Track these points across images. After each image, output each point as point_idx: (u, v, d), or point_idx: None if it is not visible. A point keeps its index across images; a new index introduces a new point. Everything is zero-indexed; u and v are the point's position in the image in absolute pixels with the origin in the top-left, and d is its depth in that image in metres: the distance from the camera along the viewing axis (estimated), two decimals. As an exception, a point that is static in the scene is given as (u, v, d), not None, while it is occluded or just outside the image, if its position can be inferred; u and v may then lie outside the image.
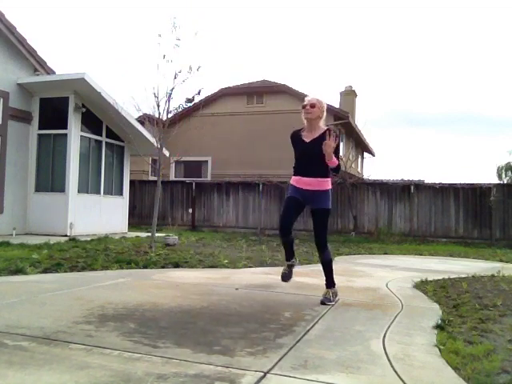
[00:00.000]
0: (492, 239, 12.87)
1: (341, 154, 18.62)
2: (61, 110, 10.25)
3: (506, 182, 26.62)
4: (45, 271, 5.23)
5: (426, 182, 14.70)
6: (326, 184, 3.87)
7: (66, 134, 10.20)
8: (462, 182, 13.55)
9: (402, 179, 15.21)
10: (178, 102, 9.00)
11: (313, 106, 3.86)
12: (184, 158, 13.74)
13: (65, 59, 53.27)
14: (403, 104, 66.29)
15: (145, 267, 5.85)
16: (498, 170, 29.16)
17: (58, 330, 2.71)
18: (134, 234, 11.18)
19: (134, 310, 3.37)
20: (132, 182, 14.15)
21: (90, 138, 10.91)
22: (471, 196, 13.38)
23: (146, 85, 8.33)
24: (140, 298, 3.79)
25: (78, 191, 10.35)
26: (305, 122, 3.95)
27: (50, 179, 10.38)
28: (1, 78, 9.71)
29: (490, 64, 68.11)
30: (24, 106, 10.29)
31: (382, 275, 5.86)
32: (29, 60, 10.36)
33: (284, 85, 18.43)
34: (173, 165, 17.95)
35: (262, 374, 2.11)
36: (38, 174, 10.45)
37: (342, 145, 20.05)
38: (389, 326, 3.14)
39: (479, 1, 67.52)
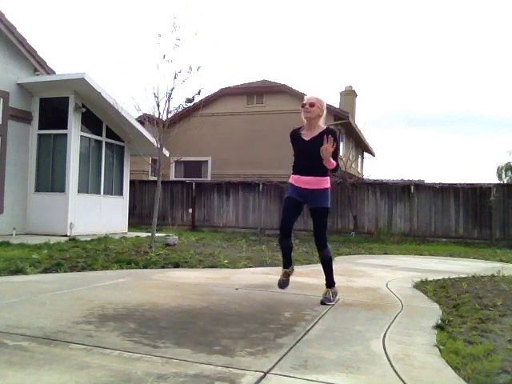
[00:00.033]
0: (492, 239, 12.87)
1: (341, 153, 18.67)
2: (61, 110, 10.25)
3: (506, 181, 26.63)
4: (45, 271, 5.23)
5: (426, 181, 14.70)
6: (325, 183, 3.87)
7: (65, 134, 10.20)
8: (462, 182, 13.55)
9: (402, 179, 15.21)
10: (178, 102, 9.01)
11: (312, 105, 3.86)
12: (184, 158, 13.74)
13: (65, 59, 53.32)
14: (403, 104, 66.34)
15: (145, 267, 5.85)
16: (498, 170, 29.19)
17: (57, 330, 2.71)
18: (133, 234, 11.18)
19: (134, 309, 3.37)
20: (132, 182, 14.15)
21: (89, 138, 10.92)
22: (471, 196, 13.38)
23: (145, 85, 8.34)
24: (140, 298, 3.79)
25: (78, 191, 10.35)
26: (304, 120, 3.95)
27: (49, 179, 10.39)
28: (1, 77, 9.71)
29: (490, 64, 68.14)
30: (24, 106, 10.29)
31: (381, 275, 5.86)
32: (29, 60, 10.36)
33: (284, 85, 18.43)
34: (173, 165, 17.95)
35: (262, 374, 2.11)
36: (38, 174, 10.45)
37: (342, 145, 20.05)
38: (389, 326, 3.14)
39: (479, 1, 67.54)
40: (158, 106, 8.26)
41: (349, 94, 23.36)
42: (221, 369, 2.16)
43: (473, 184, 13.43)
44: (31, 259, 5.83)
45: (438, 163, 53.33)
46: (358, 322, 3.26)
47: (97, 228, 10.66)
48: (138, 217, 15.77)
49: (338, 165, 3.78)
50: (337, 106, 20.01)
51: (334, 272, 4.00)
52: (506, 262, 8.27)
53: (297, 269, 5.83)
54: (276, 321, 3.19)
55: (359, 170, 25.03)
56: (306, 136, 3.90)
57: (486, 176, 47.06)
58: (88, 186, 10.81)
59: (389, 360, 2.42)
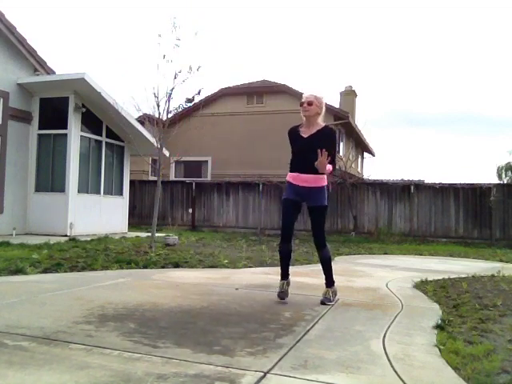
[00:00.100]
0: (492, 239, 12.87)
1: (341, 153, 18.68)
2: (61, 110, 10.25)
3: (506, 182, 26.64)
4: (45, 271, 5.23)
5: (426, 182, 14.70)
6: (322, 181, 3.88)
7: (65, 134, 10.20)
8: (462, 182, 13.55)
9: (402, 179, 15.22)
10: (178, 102, 9.02)
11: (310, 103, 3.86)
12: (184, 158, 13.74)
13: (65, 59, 53.32)
14: (403, 104, 66.36)
15: (145, 267, 5.85)
16: (498, 170, 29.21)
17: (58, 330, 2.71)
18: (133, 234, 11.18)
19: (134, 309, 3.36)
20: (132, 182, 14.15)
21: (89, 138, 10.92)
22: (471, 196, 13.38)
23: (145, 85, 8.34)
24: (140, 297, 3.79)
25: (78, 191, 10.35)
26: (304, 118, 3.96)
27: (49, 179, 10.39)
28: (1, 77, 9.71)
29: (490, 64, 68.14)
30: (24, 106, 10.29)
31: (381, 275, 5.86)
32: (29, 60, 10.36)
33: (284, 85, 18.43)
34: (173, 165, 17.95)
35: (262, 374, 2.11)
36: (38, 174, 10.45)
37: (342, 145, 20.05)
38: (389, 326, 3.14)
39: (479, 1, 67.52)
40: (158, 105, 8.27)
41: (349, 94, 23.36)
42: (221, 369, 2.16)
43: (473, 184, 13.43)
44: (31, 259, 5.83)
45: (438, 163, 53.41)
46: (358, 321, 3.26)
47: (97, 228, 10.66)
48: (137, 217, 15.77)
49: (334, 166, 3.79)
50: (337, 106, 20.01)
51: (333, 272, 4.00)
52: (506, 262, 8.26)
53: (297, 269, 5.84)
54: (276, 321, 3.19)
55: (359, 170, 25.03)
56: (305, 133, 3.91)
57: (486, 176, 47.15)
58: (88, 185, 10.81)
59: (389, 360, 2.42)
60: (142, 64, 15.02)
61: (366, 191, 14.38)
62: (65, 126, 10.20)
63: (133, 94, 10.74)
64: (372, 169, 46.58)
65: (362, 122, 50.86)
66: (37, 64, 10.53)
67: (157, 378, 2.01)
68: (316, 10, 72.26)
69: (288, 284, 3.93)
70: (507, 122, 50.08)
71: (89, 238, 9.18)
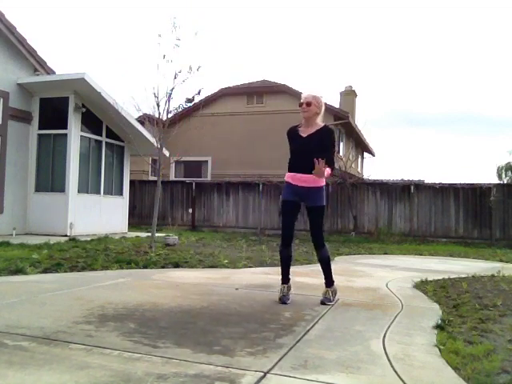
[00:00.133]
0: (492, 239, 12.87)
1: (341, 153, 18.68)
2: (61, 110, 10.25)
3: (506, 181, 26.64)
4: (45, 271, 5.23)
5: (426, 182, 14.70)
6: (321, 181, 3.87)
7: (65, 134, 10.20)
8: (462, 182, 13.55)
9: (402, 179, 15.22)
10: (178, 102, 9.02)
11: (309, 104, 3.85)
12: (184, 158, 13.74)
13: (65, 59, 53.32)
14: (403, 104, 66.36)
15: (145, 267, 5.85)
16: (498, 170, 29.22)
17: (58, 330, 2.71)
18: (133, 234, 11.18)
19: (134, 309, 3.36)
20: (132, 182, 14.15)
21: (89, 138, 10.92)
22: (471, 196, 13.38)
23: (145, 85, 8.34)
24: (140, 297, 3.79)
25: (78, 191, 10.35)
26: (303, 118, 3.96)
27: (49, 179, 10.39)
28: (1, 77, 9.71)
29: (490, 64, 68.13)
30: (24, 106, 10.29)
31: (381, 275, 5.86)
32: (29, 60, 10.36)
33: (284, 85, 18.43)
34: (173, 165, 17.94)
35: (262, 374, 2.11)
36: (38, 174, 10.45)
37: (342, 145, 20.05)
38: (389, 326, 3.14)
39: (479, 1, 67.52)
40: (158, 105, 8.27)
41: (349, 94, 23.36)
42: (221, 369, 2.16)
43: (473, 184, 13.43)
44: (31, 259, 5.83)
45: (438, 163, 53.41)
46: (358, 321, 3.26)
47: (97, 228, 10.66)
48: (137, 217, 15.77)
49: (333, 166, 3.79)
50: (337, 106, 20.00)
51: (333, 272, 4.00)
52: (506, 262, 8.26)
53: (297, 269, 5.84)
54: (276, 321, 3.19)
55: (359, 169, 25.03)
56: (304, 133, 3.91)
57: (486, 176, 47.15)
58: (88, 185, 10.81)
59: (389, 360, 2.42)
60: (141, 64, 15.04)
61: (365, 191, 14.38)
62: (65, 126, 10.20)
63: (133, 94, 10.77)
64: (372, 169, 46.63)
65: (362, 121, 50.88)
66: (37, 64, 10.53)
67: (157, 377, 2.01)
68: (316, 9, 72.29)
69: (289, 288, 3.93)
70: (507, 122, 50.12)
71: (89, 238, 9.18)
